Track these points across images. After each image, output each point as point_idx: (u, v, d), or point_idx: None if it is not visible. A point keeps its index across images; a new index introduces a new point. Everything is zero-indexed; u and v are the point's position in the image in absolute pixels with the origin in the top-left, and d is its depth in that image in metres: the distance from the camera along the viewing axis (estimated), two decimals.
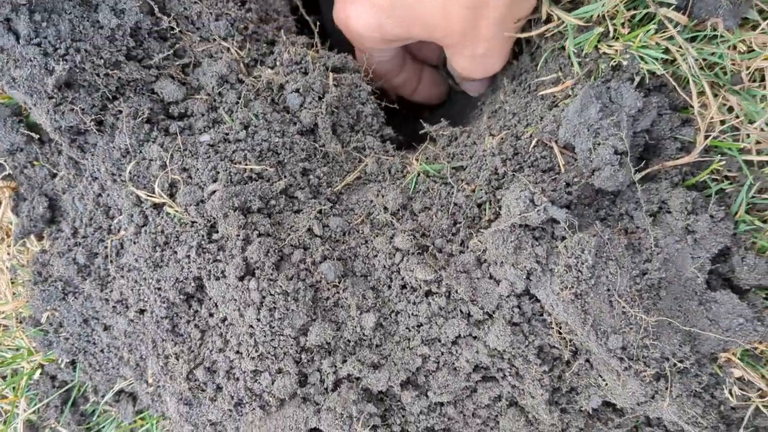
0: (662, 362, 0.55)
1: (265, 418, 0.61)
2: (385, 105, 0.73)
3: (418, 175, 0.65)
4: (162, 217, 0.61)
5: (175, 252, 0.60)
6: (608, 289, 0.54)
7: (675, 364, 0.55)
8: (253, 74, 0.67)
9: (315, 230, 0.61)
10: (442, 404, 0.60)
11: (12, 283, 0.80)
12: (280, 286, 0.57)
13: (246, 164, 0.62)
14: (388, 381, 0.58)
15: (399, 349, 0.60)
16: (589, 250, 0.53)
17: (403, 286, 0.60)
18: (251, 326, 0.59)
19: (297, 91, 0.66)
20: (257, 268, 0.58)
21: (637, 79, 0.58)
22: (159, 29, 0.65)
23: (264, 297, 0.57)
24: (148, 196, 0.61)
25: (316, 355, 0.59)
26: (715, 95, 0.58)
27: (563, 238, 0.55)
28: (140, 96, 0.64)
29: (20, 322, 0.79)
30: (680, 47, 0.57)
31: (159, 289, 0.62)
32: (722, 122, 0.58)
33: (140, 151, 0.63)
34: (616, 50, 0.59)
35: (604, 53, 0.60)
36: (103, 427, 0.78)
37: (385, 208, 0.63)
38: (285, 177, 0.64)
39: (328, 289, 0.60)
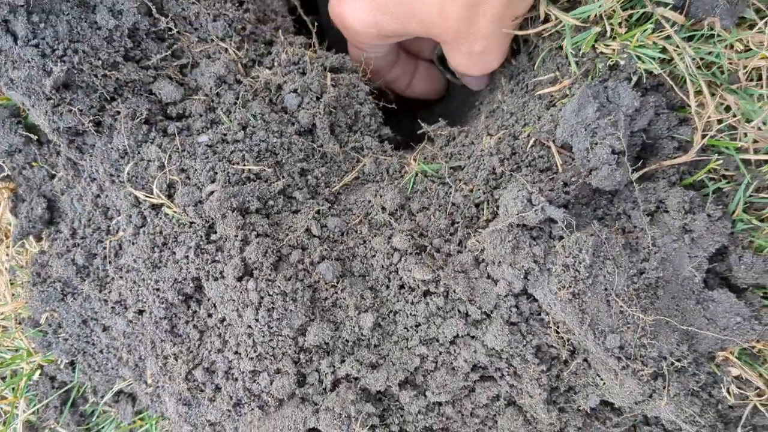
0: (660, 361, 0.55)
1: (263, 418, 0.61)
2: (383, 105, 0.74)
3: (416, 175, 0.65)
4: (160, 218, 0.61)
5: (174, 253, 0.61)
6: (606, 289, 0.54)
7: (672, 363, 0.55)
8: (251, 75, 0.68)
9: (313, 230, 0.61)
10: (440, 404, 0.60)
11: (11, 284, 0.80)
12: (279, 287, 0.57)
13: (244, 165, 0.62)
14: (387, 381, 0.58)
15: (397, 349, 0.60)
16: (586, 249, 0.53)
17: (401, 286, 0.60)
18: (250, 326, 0.59)
19: (295, 91, 0.66)
20: (255, 269, 0.58)
21: (635, 78, 0.58)
22: (157, 30, 0.66)
23: (262, 297, 0.58)
24: (147, 196, 0.61)
25: (315, 355, 0.60)
26: (713, 94, 0.58)
27: (561, 238, 0.56)
28: (138, 97, 0.64)
29: (19, 323, 0.79)
30: (677, 46, 0.57)
31: (158, 289, 0.62)
32: (719, 121, 0.58)
33: (138, 152, 0.63)
34: (614, 50, 0.59)
35: (602, 53, 0.60)
36: (103, 427, 0.78)
37: (383, 208, 0.63)
38: (283, 177, 0.64)
39: (327, 290, 0.60)
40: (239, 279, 0.58)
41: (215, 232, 0.60)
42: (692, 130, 0.59)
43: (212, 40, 0.68)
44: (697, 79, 0.57)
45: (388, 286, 0.60)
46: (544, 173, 0.59)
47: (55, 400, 0.77)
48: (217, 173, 0.61)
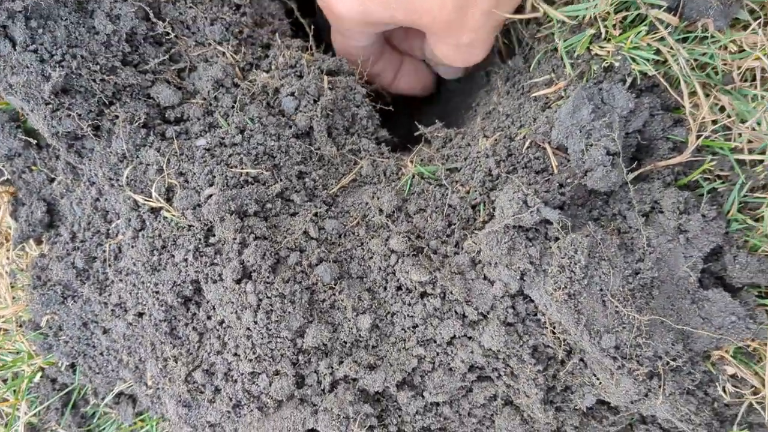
0: (655, 360, 0.55)
1: (263, 419, 0.61)
2: (380, 107, 0.74)
3: (413, 177, 0.66)
4: (159, 221, 0.62)
5: (173, 256, 0.61)
6: (601, 289, 0.55)
7: (668, 363, 0.55)
8: (249, 78, 0.68)
9: (311, 233, 0.61)
10: (437, 404, 0.61)
11: (12, 287, 0.80)
12: (277, 289, 0.58)
13: (242, 168, 0.62)
14: (384, 382, 0.59)
15: (395, 350, 0.60)
16: (581, 250, 0.54)
17: (399, 288, 0.60)
18: (248, 329, 0.59)
19: (292, 94, 0.66)
20: (254, 271, 0.58)
21: (629, 80, 0.59)
22: (154, 34, 0.66)
23: (261, 300, 0.58)
24: (146, 200, 0.62)
25: (313, 356, 0.60)
26: (707, 95, 0.59)
27: (556, 239, 0.56)
28: (136, 101, 0.64)
29: (20, 326, 0.79)
30: (671, 48, 0.57)
31: (157, 292, 0.62)
32: (714, 122, 0.59)
33: (137, 156, 0.63)
34: (608, 51, 0.59)
35: (596, 55, 0.60)
36: (104, 429, 0.79)
37: (381, 210, 0.63)
38: (281, 180, 0.64)
39: (324, 291, 0.60)
40: (238, 281, 0.58)
41: (214, 235, 0.60)
42: (687, 130, 0.59)
43: (209, 44, 0.68)
44: (692, 80, 0.58)
45: (385, 288, 0.61)
46: (539, 175, 0.59)
47: (56, 402, 0.78)
48: (215, 177, 0.61)
